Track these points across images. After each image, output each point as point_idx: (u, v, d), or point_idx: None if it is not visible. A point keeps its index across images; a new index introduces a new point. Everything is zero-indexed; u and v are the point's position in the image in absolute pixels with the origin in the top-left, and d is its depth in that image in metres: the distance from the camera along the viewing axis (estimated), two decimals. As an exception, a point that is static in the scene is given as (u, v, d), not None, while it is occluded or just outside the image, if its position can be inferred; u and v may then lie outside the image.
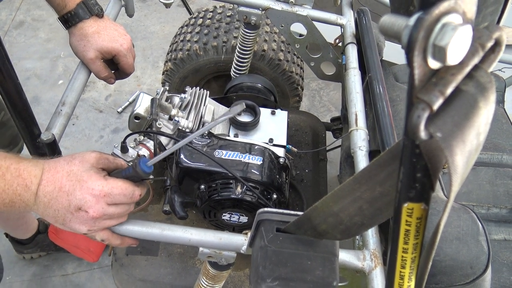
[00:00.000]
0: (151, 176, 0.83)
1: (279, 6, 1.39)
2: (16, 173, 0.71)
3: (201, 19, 1.79)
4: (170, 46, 1.84)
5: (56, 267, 1.92)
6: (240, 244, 0.84)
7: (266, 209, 0.70)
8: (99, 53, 1.09)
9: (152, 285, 1.20)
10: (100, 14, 1.09)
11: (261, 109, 1.28)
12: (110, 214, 0.78)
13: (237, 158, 1.09)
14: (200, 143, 1.11)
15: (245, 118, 1.24)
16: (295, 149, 1.23)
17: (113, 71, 1.17)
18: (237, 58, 1.57)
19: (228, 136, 1.19)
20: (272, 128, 1.24)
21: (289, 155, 1.23)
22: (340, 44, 1.48)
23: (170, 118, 1.15)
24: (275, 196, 1.09)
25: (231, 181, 1.07)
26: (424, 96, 0.32)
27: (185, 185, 1.13)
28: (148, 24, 2.97)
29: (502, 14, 1.34)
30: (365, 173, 0.52)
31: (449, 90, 0.32)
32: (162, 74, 1.83)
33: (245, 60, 1.57)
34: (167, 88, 1.21)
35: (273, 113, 1.27)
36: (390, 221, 0.83)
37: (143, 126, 1.17)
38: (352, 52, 1.31)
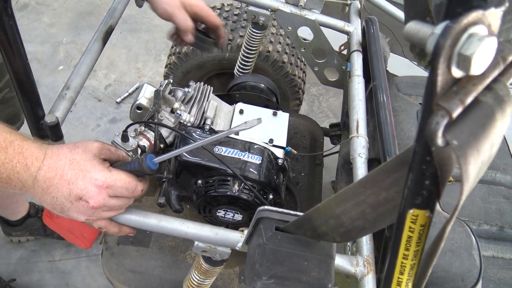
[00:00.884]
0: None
1: (288, 9, 1.40)
2: (18, 149, 0.70)
3: (208, 16, 1.78)
4: (175, 40, 1.83)
5: (44, 253, 1.91)
6: (236, 241, 0.84)
7: (266, 207, 0.71)
8: (183, 5, 1.15)
9: (141, 276, 1.20)
10: None
11: (263, 109, 1.29)
12: (110, 206, 0.77)
13: (237, 156, 1.10)
14: (200, 138, 1.12)
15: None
16: (294, 151, 1.23)
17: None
18: (242, 57, 1.58)
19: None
20: (273, 128, 1.24)
21: (287, 157, 1.23)
22: (344, 52, 1.49)
23: (172, 111, 1.15)
24: (271, 196, 1.10)
25: (228, 178, 1.07)
26: (444, 104, 0.33)
27: (182, 179, 1.13)
28: (152, 17, 2.95)
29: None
30: (371, 178, 0.53)
31: (469, 100, 0.33)
32: (165, 67, 1.82)
33: (250, 60, 1.57)
34: (171, 81, 1.21)
35: (274, 114, 1.28)
36: (385, 230, 0.84)
37: (145, 117, 1.17)
38: (357, 60, 1.32)
